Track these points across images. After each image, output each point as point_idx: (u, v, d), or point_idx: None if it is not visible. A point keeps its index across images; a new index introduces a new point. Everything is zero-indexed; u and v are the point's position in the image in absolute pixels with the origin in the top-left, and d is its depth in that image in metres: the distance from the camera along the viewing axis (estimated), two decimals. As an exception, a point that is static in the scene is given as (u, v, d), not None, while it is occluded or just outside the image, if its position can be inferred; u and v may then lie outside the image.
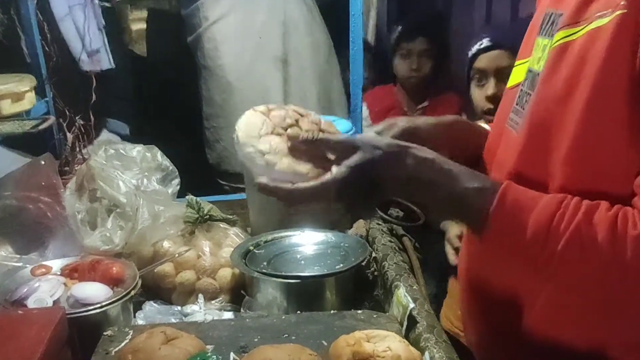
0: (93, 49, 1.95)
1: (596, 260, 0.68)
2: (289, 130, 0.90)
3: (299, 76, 2.34)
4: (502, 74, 1.53)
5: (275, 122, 0.92)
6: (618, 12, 0.68)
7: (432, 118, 1.00)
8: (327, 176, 0.79)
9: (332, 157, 0.82)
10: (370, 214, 0.86)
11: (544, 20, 0.87)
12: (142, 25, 2.98)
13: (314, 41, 2.39)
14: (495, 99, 1.54)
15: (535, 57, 0.87)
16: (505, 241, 0.75)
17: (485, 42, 1.58)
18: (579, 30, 0.75)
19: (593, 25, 0.72)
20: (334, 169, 0.78)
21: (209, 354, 0.69)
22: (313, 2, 2.45)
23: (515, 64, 0.97)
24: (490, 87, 1.55)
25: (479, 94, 1.60)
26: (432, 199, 0.80)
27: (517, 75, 0.93)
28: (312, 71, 2.37)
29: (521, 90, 0.88)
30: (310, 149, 0.85)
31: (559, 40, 0.78)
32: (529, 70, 0.87)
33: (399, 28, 2.25)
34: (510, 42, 1.49)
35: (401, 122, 0.95)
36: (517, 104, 0.88)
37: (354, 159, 0.77)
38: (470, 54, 1.62)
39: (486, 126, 1.07)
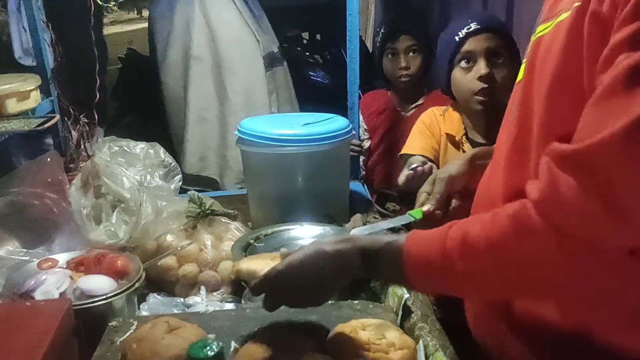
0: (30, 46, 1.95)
1: (490, 256, 0.75)
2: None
3: (226, 78, 2.30)
4: (490, 54, 1.54)
5: None
6: (575, 5, 0.72)
7: (460, 159, 1.14)
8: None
9: None
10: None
11: (537, 19, 0.91)
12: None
13: (243, 44, 2.33)
14: (488, 78, 1.53)
15: (527, 53, 0.91)
16: (425, 281, 0.82)
17: (473, 26, 1.56)
18: (549, 25, 0.80)
19: (558, 19, 0.77)
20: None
21: (210, 341, 0.72)
22: (249, 5, 2.41)
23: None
24: (482, 67, 1.53)
25: (467, 77, 1.57)
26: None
27: (520, 72, 0.98)
28: (242, 76, 2.31)
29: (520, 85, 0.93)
30: None
31: (537, 35, 0.84)
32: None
33: (382, 29, 2.25)
34: (497, 24, 1.57)
35: (440, 176, 1.12)
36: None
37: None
38: (457, 38, 1.59)
39: None
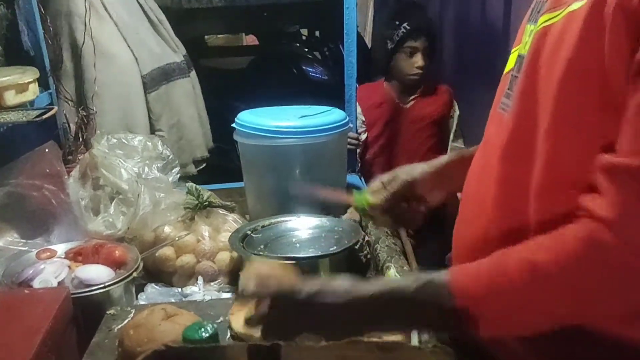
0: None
1: (566, 285, 0.70)
2: None
3: (94, 100, 1.88)
4: None
5: None
6: None
7: (428, 166, 1.05)
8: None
9: None
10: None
11: (533, 8, 0.91)
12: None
13: (115, 63, 1.95)
14: None
15: (523, 42, 0.91)
16: (485, 313, 0.74)
17: None
18: (558, 14, 0.79)
19: (569, 9, 0.76)
20: None
21: (205, 323, 0.73)
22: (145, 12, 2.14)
23: (511, 52, 1.00)
24: None
25: None
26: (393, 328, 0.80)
27: (510, 62, 0.97)
28: (111, 97, 1.91)
29: (512, 75, 0.92)
30: None
31: (541, 24, 0.82)
32: (519, 56, 0.91)
33: (405, 25, 2.27)
34: None
35: (402, 176, 1.02)
36: (508, 89, 0.92)
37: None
38: None
39: None
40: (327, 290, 0.77)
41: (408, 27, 2.25)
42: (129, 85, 1.94)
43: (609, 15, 0.69)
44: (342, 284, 0.77)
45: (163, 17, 2.21)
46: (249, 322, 0.79)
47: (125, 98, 1.93)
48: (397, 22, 2.30)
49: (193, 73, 2.27)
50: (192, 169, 2.18)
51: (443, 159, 1.07)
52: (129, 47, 1.96)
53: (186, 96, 2.19)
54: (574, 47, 0.73)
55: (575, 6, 0.75)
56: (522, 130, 0.83)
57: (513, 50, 0.98)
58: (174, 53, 2.18)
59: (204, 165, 2.26)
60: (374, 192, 1.05)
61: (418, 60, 2.22)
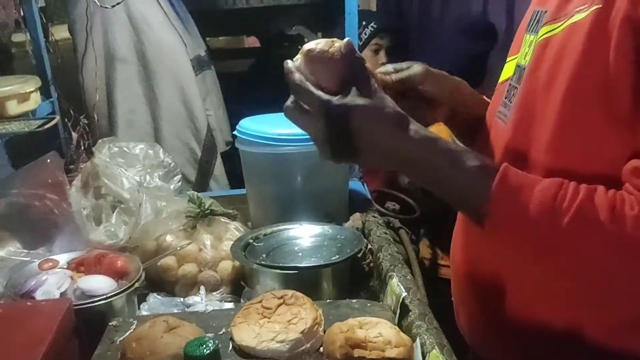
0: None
1: (598, 238, 0.68)
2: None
3: (155, 82, 2.11)
4: None
5: None
6: (594, 8, 0.71)
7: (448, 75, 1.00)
8: (323, 94, 0.78)
9: None
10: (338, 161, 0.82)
11: (531, 18, 0.91)
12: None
13: (169, 47, 2.15)
14: None
15: (522, 52, 0.91)
16: (507, 218, 0.73)
17: None
18: (559, 26, 0.79)
19: (571, 20, 0.76)
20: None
21: (207, 339, 0.73)
22: (174, 7, 2.27)
23: (507, 61, 1.00)
24: None
25: None
26: (429, 179, 0.79)
27: (507, 70, 0.97)
28: (171, 79, 2.13)
29: (510, 84, 0.92)
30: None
31: (542, 35, 0.82)
32: (517, 66, 0.92)
33: (372, 25, 2.30)
34: None
35: (420, 66, 0.97)
36: (505, 98, 0.92)
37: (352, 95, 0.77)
38: None
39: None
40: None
41: (375, 26, 2.28)
42: (181, 67, 2.13)
43: (614, 27, 0.69)
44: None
45: (189, 15, 2.38)
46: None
47: (181, 78, 2.12)
48: (363, 22, 2.33)
49: (213, 67, 2.47)
50: (223, 147, 2.41)
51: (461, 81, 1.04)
52: (177, 32, 2.15)
53: (213, 85, 2.40)
54: (577, 59, 0.73)
55: (577, 18, 0.75)
56: (520, 140, 0.83)
57: (509, 59, 0.98)
58: (198, 47, 2.36)
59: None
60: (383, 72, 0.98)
61: (382, 57, 2.26)
